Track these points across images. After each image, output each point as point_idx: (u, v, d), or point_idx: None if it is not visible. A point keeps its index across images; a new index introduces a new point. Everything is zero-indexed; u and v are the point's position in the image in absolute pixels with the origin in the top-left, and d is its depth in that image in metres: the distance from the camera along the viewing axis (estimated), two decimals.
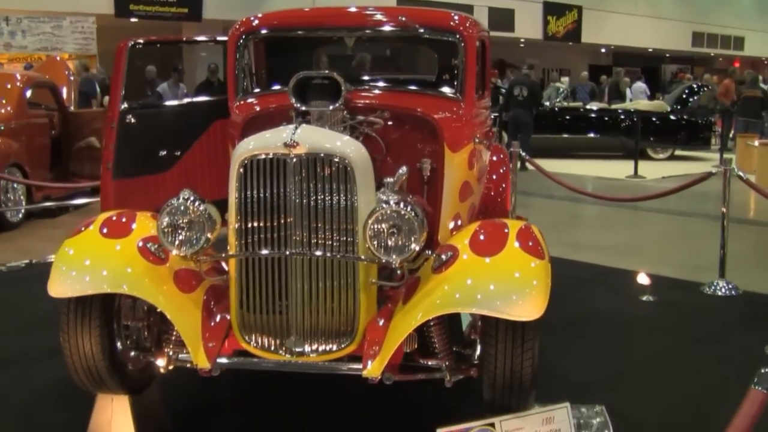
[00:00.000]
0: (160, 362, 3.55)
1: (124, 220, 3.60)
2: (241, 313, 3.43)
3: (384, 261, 3.33)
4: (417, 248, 3.28)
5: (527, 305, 3.13)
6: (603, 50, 33.83)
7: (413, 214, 3.26)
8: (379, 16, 4.74)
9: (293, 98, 3.77)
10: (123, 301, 3.61)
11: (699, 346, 5.33)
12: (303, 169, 3.31)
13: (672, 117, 17.55)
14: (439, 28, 4.67)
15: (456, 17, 4.75)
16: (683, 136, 17.22)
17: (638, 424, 4.02)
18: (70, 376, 3.57)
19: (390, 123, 4.27)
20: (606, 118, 17.57)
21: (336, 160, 3.31)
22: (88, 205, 10.18)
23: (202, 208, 3.39)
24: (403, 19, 4.62)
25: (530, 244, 3.35)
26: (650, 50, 33.88)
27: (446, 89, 4.70)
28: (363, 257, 3.35)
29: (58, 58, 13.36)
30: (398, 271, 3.40)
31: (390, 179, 3.77)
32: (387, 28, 4.72)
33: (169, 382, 3.92)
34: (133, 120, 4.89)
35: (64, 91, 11.06)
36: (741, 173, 6.78)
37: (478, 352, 3.54)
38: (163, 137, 5.09)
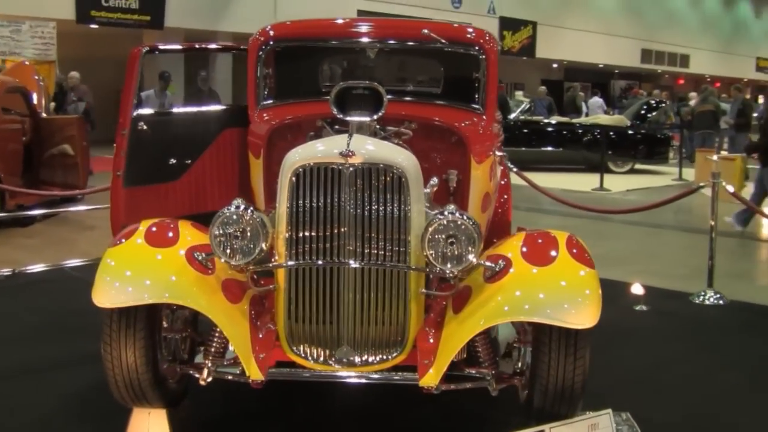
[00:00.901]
0: (203, 374, 3.50)
1: (167, 229, 3.55)
2: (290, 324, 3.41)
3: (440, 271, 3.34)
4: (475, 259, 3.31)
5: (583, 313, 3.18)
6: (555, 65, 34.34)
7: (471, 224, 3.29)
8: (402, 29, 4.77)
9: (334, 108, 3.76)
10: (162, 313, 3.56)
11: (699, 353, 5.45)
12: (358, 179, 3.31)
13: (631, 131, 17.92)
14: (461, 41, 4.72)
15: (473, 31, 4.80)
16: (642, 150, 17.58)
17: (662, 428, 4.08)
18: (109, 389, 3.51)
19: (419, 134, 4.29)
20: (566, 132, 17.85)
21: (391, 170, 3.32)
22: (58, 214, 10.03)
23: (255, 216, 3.36)
24: (427, 32, 4.65)
25: (580, 253, 3.40)
26: (601, 66, 34.50)
27: (468, 102, 4.73)
28: (417, 267, 3.37)
29: (26, 63, 13.06)
30: (451, 281, 3.41)
31: (425, 190, 3.79)
32: (410, 40, 4.75)
33: (198, 394, 3.87)
34: (144, 127, 4.83)
35: (35, 96, 10.83)
36: (730, 187, 6.94)
37: (521, 360, 3.59)
38: (174, 145, 5.03)
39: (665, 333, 5.88)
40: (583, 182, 14.83)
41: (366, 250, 3.33)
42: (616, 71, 37.60)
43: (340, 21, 4.88)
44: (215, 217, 3.36)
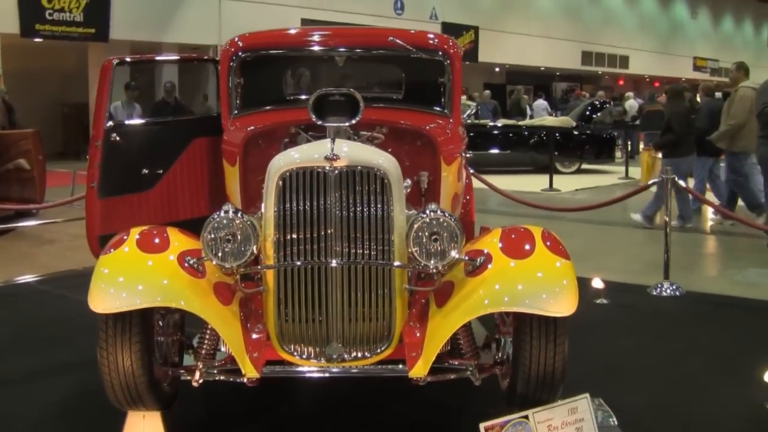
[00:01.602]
0: (195, 376, 3.58)
1: (156, 235, 3.63)
2: (280, 324, 3.53)
3: (424, 266, 3.49)
4: (457, 255, 3.46)
5: (562, 302, 3.35)
6: (497, 69, 34.82)
7: (453, 221, 3.45)
8: (369, 37, 4.91)
9: (312, 114, 3.88)
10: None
11: (662, 342, 5.67)
12: (343, 182, 3.44)
13: (576, 132, 18.32)
14: (426, 48, 4.88)
15: (436, 37, 4.98)
16: (589, 150, 17.99)
17: (631, 413, 4.26)
18: (105, 393, 3.57)
19: (390, 138, 4.44)
20: (512, 135, 18.18)
21: (374, 172, 3.47)
22: (15, 230, 9.96)
23: (246, 220, 3.46)
24: (393, 39, 4.80)
25: (555, 246, 3.58)
26: (542, 68, 35.08)
27: (434, 106, 4.90)
28: (401, 264, 3.51)
29: None
30: (434, 276, 3.56)
31: None
32: (377, 48, 4.91)
33: (188, 396, 3.96)
34: (117, 138, 4.91)
35: None
36: (682, 182, 7.22)
37: (501, 351, 3.76)
38: (146, 156, 5.11)
39: (627, 324, 6.11)
40: (532, 183, 15.12)
41: (352, 250, 3.47)
42: (558, 73, 38.26)
43: (308, 31, 5.01)
44: (207, 222, 3.46)
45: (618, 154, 19.00)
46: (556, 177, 15.13)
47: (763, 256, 8.91)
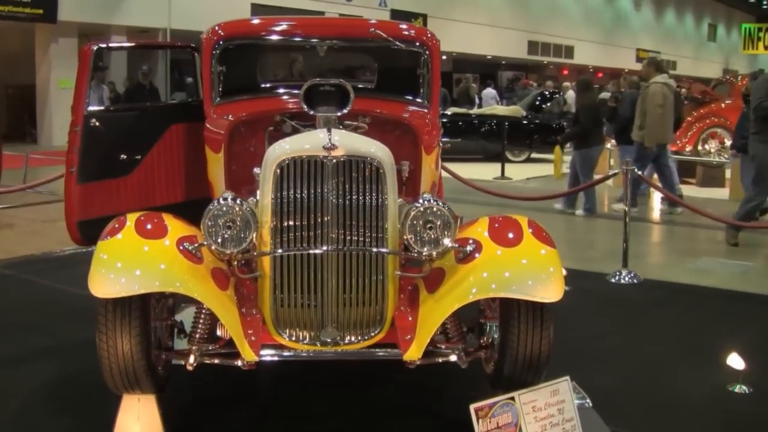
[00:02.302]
0: (189, 360, 3.64)
1: (153, 221, 3.69)
2: (276, 308, 3.62)
3: (417, 253, 3.61)
4: (450, 243, 3.59)
5: (550, 288, 3.51)
6: (444, 57, 35.00)
7: (447, 210, 3.58)
8: (350, 28, 5.00)
9: (304, 104, 3.97)
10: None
11: (624, 327, 5.90)
12: (340, 171, 3.54)
13: (525, 122, 18.59)
14: (406, 39, 4.98)
15: (414, 29, 5.09)
16: (538, 140, 18.27)
17: (601, 395, 4.42)
18: (102, 376, 3.62)
19: (373, 127, 4.54)
20: (462, 123, 18.36)
21: (370, 162, 3.57)
22: None
23: (245, 207, 3.54)
24: (374, 30, 4.90)
25: (541, 234, 3.73)
26: (489, 57, 35.42)
27: (413, 96, 5.01)
28: (395, 251, 3.63)
29: None
30: (426, 263, 3.68)
31: None
32: (358, 39, 5.00)
33: (180, 379, 4.03)
34: (97, 123, 4.92)
35: None
36: (639, 172, 7.46)
37: (487, 335, 3.90)
38: (125, 141, 5.14)
39: (589, 310, 6.32)
40: (483, 172, 15.30)
41: (347, 237, 3.57)
42: (503, 62, 38.65)
43: (289, 21, 5.07)
44: (207, 209, 3.53)
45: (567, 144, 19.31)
46: (506, 166, 15.36)
47: (712, 245, 9.24)
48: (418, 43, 4.98)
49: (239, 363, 3.58)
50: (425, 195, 3.66)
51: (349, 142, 3.61)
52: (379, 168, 3.59)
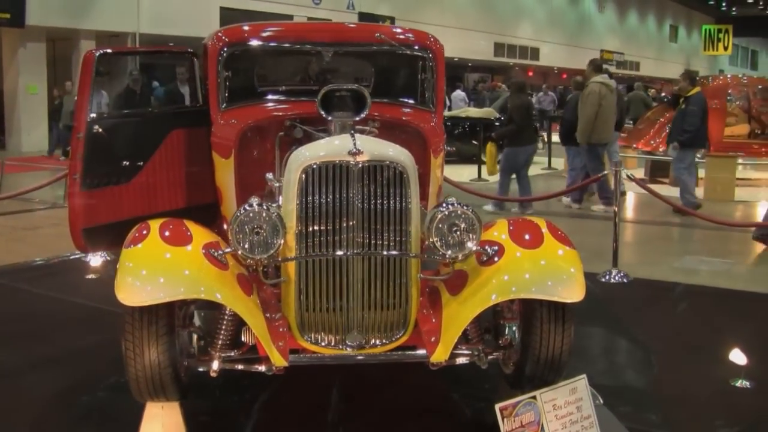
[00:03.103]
0: (213, 366, 3.65)
1: (179, 228, 3.69)
2: (301, 313, 3.64)
3: (441, 256, 3.66)
4: (474, 246, 3.64)
5: (573, 289, 3.58)
6: None
7: (472, 213, 3.63)
8: (356, 33, 5.04)
9: (321, 109, 4.01)
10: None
11: (620, 326, 6.00)
12: (365, 176, 3.57)
13: (498, 124, 18.70)
14: (411, 44, 5.03)
15: (419, 35, 5.14)
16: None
17: (607, 393, 4.51)
18: (129, 384, 3.61)
19: (382, 131, 4.58)
20: None
21: (394, 166, 3.61)
22: None
23: (272, 212, 3.55)
24: (380, 36, 4.94)
25: (561, 236, 3.80)
26: (456, 59, 35.62)
27: (419, 101, 5.06)
28: (419, 254, 3.68)
29: None
30: (451, 266, 3.73)
31: None
32: (364, 43, 5.04)
33: (204, 386, 4.04)
34: (100, 130, 4.91)
35: None
36: (629, 173, 7.59)
37: (507, 336, 3.96)
38: (128, 147, 5.12)
39: (584, 309, 6.33)
40: (459, 173, 15.36)
41: (372, 241, 3.60)
42: (470, 64, 38.89)
43: (295, 26, 5.10)
44: (235, 216, 3.54)
45: (540, 145, 19.49)
46: (483, 167, 15.45)
47: (692, 244, 9.42)
48: (422, 48, 5.03)
49: (263, 368, 3.61)
50: (450, 199, 3.71)
51: (373, 147, 3.65)
52: (403, 173, 3.63)
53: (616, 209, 7.52)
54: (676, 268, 7.98)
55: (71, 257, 7.75)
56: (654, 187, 9.91)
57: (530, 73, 42.46)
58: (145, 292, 3.38)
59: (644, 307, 6.58)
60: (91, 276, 7.08)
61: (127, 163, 5.12)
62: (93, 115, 4.89)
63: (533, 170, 17.22)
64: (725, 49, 44.24)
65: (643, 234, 10.58)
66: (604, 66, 12.41)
